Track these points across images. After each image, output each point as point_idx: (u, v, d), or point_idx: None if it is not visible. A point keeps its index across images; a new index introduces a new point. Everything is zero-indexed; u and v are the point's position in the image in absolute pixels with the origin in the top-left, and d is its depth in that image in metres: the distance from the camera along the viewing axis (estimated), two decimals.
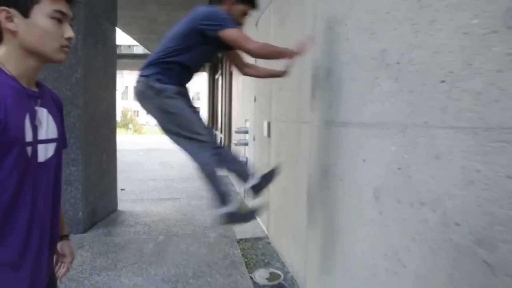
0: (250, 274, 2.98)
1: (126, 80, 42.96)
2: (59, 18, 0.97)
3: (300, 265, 2.74)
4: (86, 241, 3.61)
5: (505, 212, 0.95)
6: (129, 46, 17.00)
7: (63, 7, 0.98)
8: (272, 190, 3.67)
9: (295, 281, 2.85)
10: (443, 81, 1.17)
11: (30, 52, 0.95)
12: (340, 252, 1.99)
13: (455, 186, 1.12)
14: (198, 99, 40.85)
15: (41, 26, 0.94)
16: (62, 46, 0.99)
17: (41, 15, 0.94)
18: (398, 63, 1.42)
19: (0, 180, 0.89)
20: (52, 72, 3.76)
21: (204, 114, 22.07)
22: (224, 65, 9.55)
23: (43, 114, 1.01)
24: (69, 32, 0.99)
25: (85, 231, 3.89)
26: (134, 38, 11.26)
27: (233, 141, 5.95)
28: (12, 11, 0.91)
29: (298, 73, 2.69)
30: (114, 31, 4.92)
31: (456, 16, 1.12)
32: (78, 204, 3.86)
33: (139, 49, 16.34)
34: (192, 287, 2.73)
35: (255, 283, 2.85)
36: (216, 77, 12.91)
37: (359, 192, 1.76)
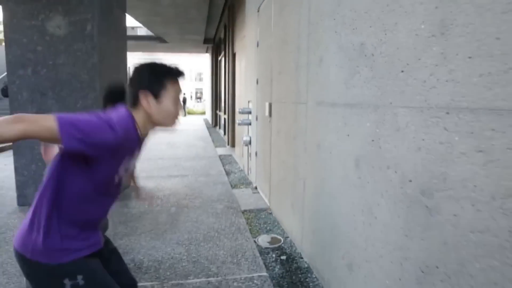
0: (254, 239, 3.37)
1: (129, 61, 42.90)
2: (177, 97, 1.32)
3: (297, 230, 3.13)
4: None
5: (438, 169, 1.30)
6: (132, 27, 17.16)
7: (180, 89, 1.33)
8: (273, 166, 4.03)
9: (293, 243, 3.25)
10: (402, 71, 1.51)
11: (155, 123, 1.32)
12: (329, 213, 2.36)
13: (409, 152, 1.47)
14: (201, 79, 40.95)
15: (167, 110, 1.29)
16: (176, 119, 1.35)
17: (167, 99, 1.28)
18: (373, 55, 1.75)
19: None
20: (70, 58, 4.08)
21: (207, 95, 22.17)
22: (227, 46, 9.78)
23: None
24: (181, 111, 1.36)
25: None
26: (139, 21, 11.45)
27: (237, 121, 6.28)
28: (147, 93, 1.25)
29: (296, 59, 3.01)
30: (124, 16, 5.21)
31: (411, 21, 1.44)
32: None
33: (142, 31, 16.52)
34: (203, 248, 3.13)
35: (258, 246, 3.24)
36: (219, 58, 13.12)
37: (344, 162, 2.11)
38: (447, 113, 1.25)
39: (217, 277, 2.62)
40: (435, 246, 1.32)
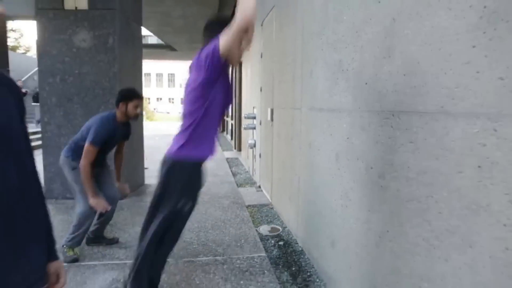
0: (256, 228, 3.81)
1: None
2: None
3: (294, 219, 3.57)
4: (124, 205, 4.49)
5: (388, 157, 1.74)
6: (144, 36, 17.85)
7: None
8: (274, 166, 4.48)
9: (290, 232, 3.68)
10: (366, 83, 1.95)
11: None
12: (317, 202, 2.80)
13: (371, 146, 1.91)
14: None
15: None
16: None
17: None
18: (347, 70, 2.20)
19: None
20: (93, 67, 4.59)
21: None
22: None
23: None
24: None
25: (121, 198, 4.76)
26: (150, 31, 12.05)
27: (243, 125, 6.74)
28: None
29: (293, 70, 3.47)
30: (140, 29, 5.73)
31: (371, 45, 1.89)
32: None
33: (153, 39, 17.15)
34: (210, 235, 3.57)
35: (259, 233, 3.68)
36: None
37: (328, 157, 2.55)
38: (392, 115, 1.69)
39: (223, 256, 3.07)
40: (386, 215, 1.76)
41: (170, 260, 2.96)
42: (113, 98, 4.63)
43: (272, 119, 4.57)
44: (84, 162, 2.75)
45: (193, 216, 4.10)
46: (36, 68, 4.62)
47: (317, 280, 2.72)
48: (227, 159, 8.57)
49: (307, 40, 3.04)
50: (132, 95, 2.97)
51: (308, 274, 2.81)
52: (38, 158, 6.12)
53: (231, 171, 7.03)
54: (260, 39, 5.43)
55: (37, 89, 5.43)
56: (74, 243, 2.94)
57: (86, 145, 2.79)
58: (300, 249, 3.27)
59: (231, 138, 11.69)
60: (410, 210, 1.56)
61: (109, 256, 3.07)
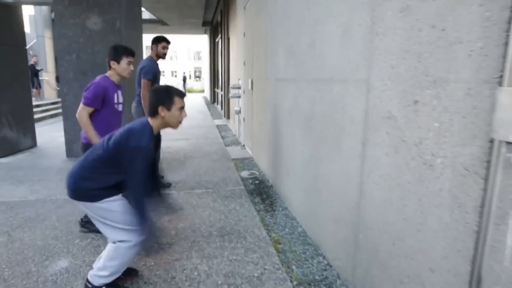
0: (238, 173, 4.92)
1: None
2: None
3: (266, 165, 4.68)
4: None
5: (312, 108, 2.81)
6: None
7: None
8: (254, 127, 5.55)
9: (264, 175, 4.81)
10: (304, 61, 3.00)
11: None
12: (280, 146, 3.90)
13: (305, 102, 2.98)
14: (199, 58, 42.05)
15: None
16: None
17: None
18: (294, 52, 3.23)
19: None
20: (104, 47, 5.53)
21: (206, 73, 22.97)
22: (223, 31, 11.12)
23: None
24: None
25: None
26: (144, 7, 12.72)
27: (230, 94, 7.75)
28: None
29: (265, 49, 4.48)
30: (140, 11, 6.61)
31: (305, 38, 2.92)
32: None
33: (145, 15, 17.69)
34: (203, 177, 4.68)
35: (240, 176, 4.80)
36: (217, 40, 14.43)
37: (284, 113, 3.62)
38: (314, 81, 2.75)
39: (212, 189, 4.19)
40: (312, 141, 2.85)
41: (174, 192, 4.08)
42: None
43: (252, 88, 5.59)
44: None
45: (189, 166, 5.22)
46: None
47: (279, 200, 3.86)
48: (217, 125, 9.63)
49: (274, 27, 4.04)
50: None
51: (274, 198, 3.95)
52: (60, 124, 7.13)
53: (221, 135, 8.10)
54: (244, 20, 6.37)
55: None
56: None
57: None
58: (270, 184, 4.41)
59: (221, 108, 12.70)
60: (323, 140, 2.66)
61: None
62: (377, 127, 1.87)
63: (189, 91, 32.02)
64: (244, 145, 6.74)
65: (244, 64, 6.36)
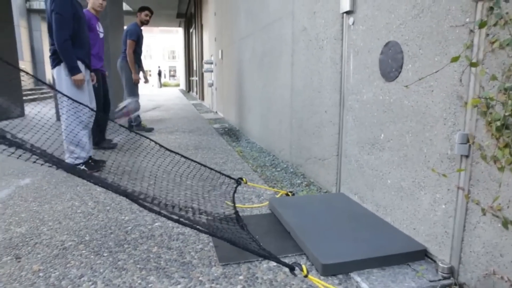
0: (211, 125, 5.80)
1: None
2: None
3: (235, 117, 5.58)
4: None
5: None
6: None
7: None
8: (224, 92, 6.44)
9: (232, 125, 5.71)
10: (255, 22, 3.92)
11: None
12: (242, 97, 4.80)
13: (261, 46, 3.90)
14: (174, 57, 42.50)
15: None
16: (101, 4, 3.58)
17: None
18: (252, 11, 4.15)
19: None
20: None
21: (181, 69, 23.37)
22: (196, 19, 11.94)
23: None
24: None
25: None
26: None
27: (203, 69, 8.62)
28: None
29: (233, 20, 5.38)
30: (121, 5, 7.37)
31: (267, 16, 3.85)
32: None
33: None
34: (181, 127, 5.53)
35: (214, 127, 5.68)
36: (191, 30, 15.22)
37: (246, 63, 4.53)
38: (264, 28, 3.67)
39: (190, 133, 5.06)
40: (264, 73, 3.77)
41: (161, 133, 4.92)
42: (107, 51, 6.42)
43: (222, 58, 6.49)
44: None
45: (174, 123, 6.06)
46: None
47: (243, 136, 4.77)
48: (192, 104, 10.46)
49: (242, 20, 4.95)
50: None
51: (239, 136, 4.86)
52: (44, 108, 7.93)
53: (196, 109, 8.95)
54: (214, 1, 7.25)
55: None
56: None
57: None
58: (237, 129, 5.32)
59: (196, 93, 13.51)
60: (271, 68, 3.58)
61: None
62: (296, 40, 2.81)
63: (165, 85, 32.54)
64: (216, 111, 7.62)
65: (215, 40, 7.25)
